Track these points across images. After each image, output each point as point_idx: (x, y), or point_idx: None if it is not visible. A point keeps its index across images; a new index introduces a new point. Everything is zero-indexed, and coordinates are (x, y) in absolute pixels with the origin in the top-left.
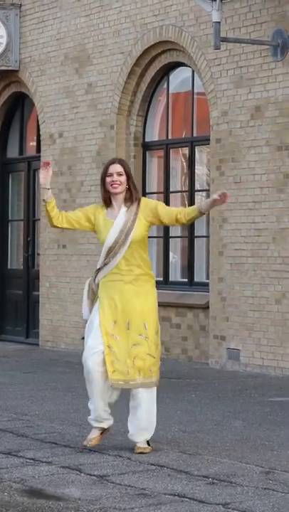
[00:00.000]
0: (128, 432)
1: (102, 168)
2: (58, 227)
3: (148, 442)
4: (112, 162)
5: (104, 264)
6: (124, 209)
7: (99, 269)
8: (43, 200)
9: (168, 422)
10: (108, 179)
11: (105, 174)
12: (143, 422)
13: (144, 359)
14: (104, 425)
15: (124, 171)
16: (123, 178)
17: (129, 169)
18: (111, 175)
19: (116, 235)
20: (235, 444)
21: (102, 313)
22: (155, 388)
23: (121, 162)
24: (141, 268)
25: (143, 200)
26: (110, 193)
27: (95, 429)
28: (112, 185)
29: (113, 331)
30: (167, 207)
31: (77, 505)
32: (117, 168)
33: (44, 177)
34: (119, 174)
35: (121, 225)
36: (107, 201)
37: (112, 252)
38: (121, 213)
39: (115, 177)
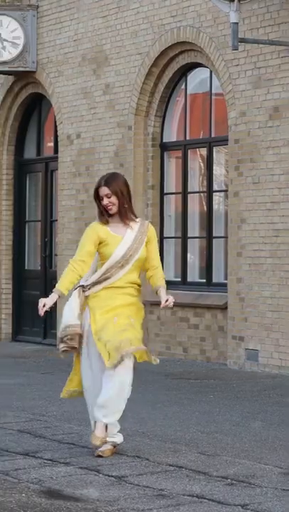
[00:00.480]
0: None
1: (94, 188)
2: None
3: (113, 445)
4: (99, 185)
5: (105, 279)
6: (131, 226)
7: (95, 283)
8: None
9: (186, 423)
10: (103, 202)
11: (97, 197)
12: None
13: (135, 337)
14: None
15: (112, 191)
16: (113, 199)
17: (119, 187)
18: (102, 198)
19: (124, 251)
20: (254, 444)
21: (94, 324)
22: (131, 370)
23: (107, 183)
24: (134, 287)
25: (151, 226)
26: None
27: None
28: (106, 207)
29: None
30: (156, 253)
31: (96, 506)
32: (104, 191)
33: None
34: (108, 196)
35: (130, 241)
36: (105, 218)
37: (116, 267)
38: (129, 230)
39: (105, 201)
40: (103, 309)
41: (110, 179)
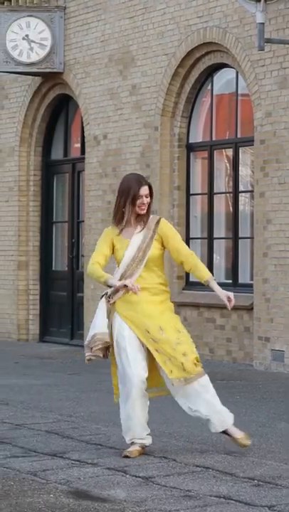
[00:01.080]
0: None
1: (130, 188)
2: None
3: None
4: (142, 184)
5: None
6: (139, 227)
7: (116, 290)
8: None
9: None
10: (138, 201)
11: (136, 196)
12: (216, 406)
13: (193, 352)
14: (146, 442)
15: (150, 192)
16: (148, 200)
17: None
18: (141, 197)
19: (133, 253)
20: (281, 445)
21: (133, 326)
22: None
23: (149, 183)
24: (157, 287)
25: (163, 221)
26: (133, 212)
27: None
28: (139, 206)
29: (151, 336)
30: (181, 243)
31: (123, 507)
32: (146, 190)
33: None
34: (147, 196)
35: (138, 243)
36: (122, 218)
37: (128, 271)
38: (137, 232)
39: (144, 200)
40: (130, 313)
41: (148, 181)
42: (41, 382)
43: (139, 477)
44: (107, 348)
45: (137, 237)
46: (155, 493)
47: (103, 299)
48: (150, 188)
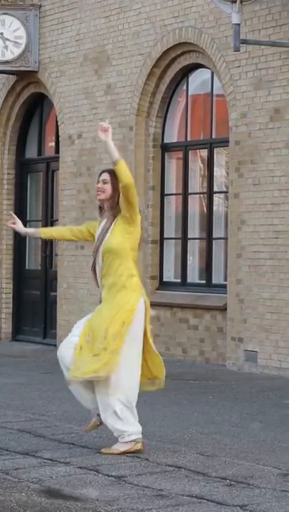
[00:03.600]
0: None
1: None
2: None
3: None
4: (102, 171)
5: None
6: (105, 219)
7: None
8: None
9: (185, 424)
10: (97, 185)
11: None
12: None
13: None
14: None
15: (111, 181)
16: (107, 186)
17: (118, 182)
18: (98, 182)
19: (94, 245)
20: (253, 446)
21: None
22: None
23: (110, 172)
24: (116, 278)
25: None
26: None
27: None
28: (97, 191)
29: (88, 337)
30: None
31: (95, 506)
32: (104, 176)
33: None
34: (104, 182)
35: (97, 235)
36: (100, 210)
37: (96, 263)
38: (102, 223)
39: (100, 184)
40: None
41: (112, 171)
42: (14, 380)
43: (112, 476)
44: None
45: (100, 227)
46: (127, 493)
47: None
48: (114, 175)
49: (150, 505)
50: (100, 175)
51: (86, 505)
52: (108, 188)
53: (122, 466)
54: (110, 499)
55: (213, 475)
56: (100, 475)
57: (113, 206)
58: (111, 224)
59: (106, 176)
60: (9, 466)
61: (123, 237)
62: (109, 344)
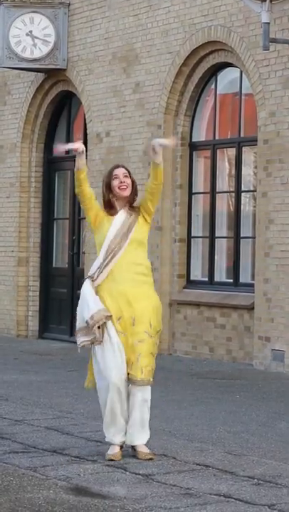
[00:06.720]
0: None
1: (105, 174)
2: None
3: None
4: (117, 166)
5: (105, 266)
6: (124, 209)
7: (98, 271)
8: (77, 168)
9: (213, 423)
10: (115, 182)
11: (111, 178)
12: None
13: (147, 357)
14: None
15: (129, 174)
16: (129, 181)
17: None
18: (117, 177)
19: (115, 233)
20: (281, 445)
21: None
22: (149, 388)
23: (124, 166)
24: (139, 269)
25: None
26: (116, 196)
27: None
28: (120, 187)
29: (119, 327)
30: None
31: (123, 504)
32: (122, 170)
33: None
34: (125, 176)
35: (120, 223)
36: (110, 206)
37: (111, 252)
38: (120, 213)
39: (122, 178)
40: (112, 294)
41: (125, 166)
42: (41, 378)
43: (139, 474)
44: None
45: (119, 216)
46: (155, 491)
47: (86, 282)
48: (129, 173)
49: (178, 504)
50: (115, 170)
51: (114, 503)
52: (129, 182)
53: (149, 464)
54: (138, 497)
55: (240, 474)
56: (127, 473)
57: (131, 200)
58: (137, 216)
59: (125, 171)
60: (37, 464)
61: (146, 233)
62: (154, 335)
